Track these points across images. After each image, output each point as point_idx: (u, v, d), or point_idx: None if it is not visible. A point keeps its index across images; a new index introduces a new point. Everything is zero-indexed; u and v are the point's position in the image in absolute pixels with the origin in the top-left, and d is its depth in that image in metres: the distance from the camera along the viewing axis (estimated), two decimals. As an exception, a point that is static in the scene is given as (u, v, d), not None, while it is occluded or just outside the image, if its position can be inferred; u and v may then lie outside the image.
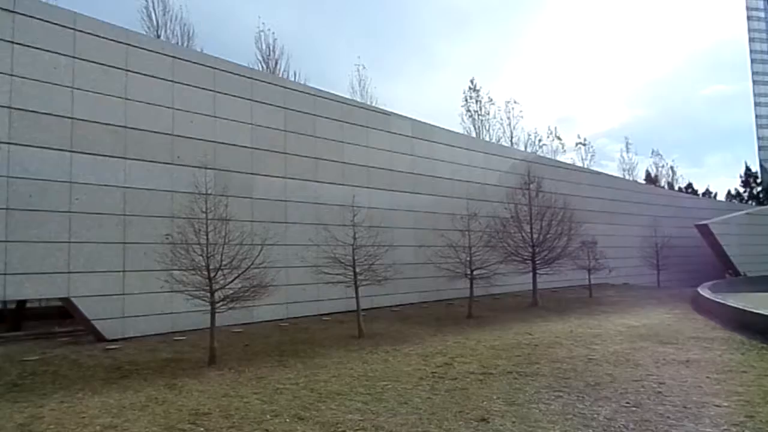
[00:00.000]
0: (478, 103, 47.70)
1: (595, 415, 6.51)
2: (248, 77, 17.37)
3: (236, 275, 10.70)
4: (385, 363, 10.27)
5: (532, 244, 21.42)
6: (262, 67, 31.66)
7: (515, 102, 54.48)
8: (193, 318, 12.85)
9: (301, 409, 7.12)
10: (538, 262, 21.47)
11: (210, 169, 14.62)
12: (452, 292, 21.35)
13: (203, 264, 10.43)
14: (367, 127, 20.99)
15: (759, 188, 78.69)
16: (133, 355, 11.40)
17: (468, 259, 17.64)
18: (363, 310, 15.81)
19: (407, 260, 21.18)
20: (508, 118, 48.99)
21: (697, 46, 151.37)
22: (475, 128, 46.77)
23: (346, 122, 20.13)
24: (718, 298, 17.57)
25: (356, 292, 14.03)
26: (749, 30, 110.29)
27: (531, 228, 21.63)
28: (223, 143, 16.16)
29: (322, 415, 6.82)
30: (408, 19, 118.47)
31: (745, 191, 77.99)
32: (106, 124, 13.70)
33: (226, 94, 16.42)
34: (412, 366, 9.88)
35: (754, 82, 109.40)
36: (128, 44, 14.29)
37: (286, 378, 9.08)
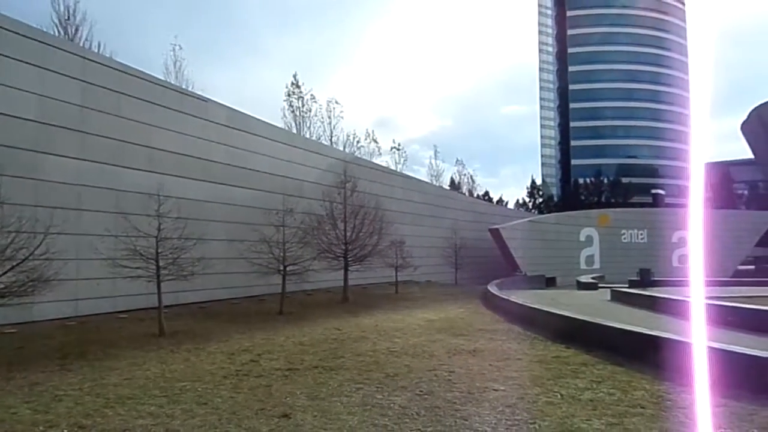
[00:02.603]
0: (301, 99, 47.74)
1: (392, 404, 6.86)
2: (39, 41, 15.21)
3: (9, 267, 9.27)
4: (185, 363, 9.71)
5: (345, 242, 22.00)
6: (59, 32, 28.03)
7: (336, 102, 55.52)
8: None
9: (83, 417, 6.39)
10: (350, 259, 22.12)
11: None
12: (264, 288, 20.99)
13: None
14: (181, 112, 19.71)
15: (541, 199, 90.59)
16: None
17: (281, 254, 17.50)
18: (167, 306, 14.80)
19: (218, 254, 20.34)
20: (329, 117, 49.72)
21: (498, 67, 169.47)
22: (296, 124, 46.72)
23: (157, 104, 18.68)
24: (503, 294, 19.79)
25: (158, 288, 13.05)
26: (540, 61, 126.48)
27: (345, 226, 22.21)
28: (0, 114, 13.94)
29: (108, 422, 6.21)
30: (233, 3, 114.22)
31: (530, 201, 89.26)
32: None
33: (9, 57, 14.18)
34: (215, 365, 9.48)
35: (541, 106, 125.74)
36: None
37: (68, 383, 8.10)
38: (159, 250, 12.82)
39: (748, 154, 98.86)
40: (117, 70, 17.49)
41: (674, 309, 17.29)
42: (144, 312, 15.90)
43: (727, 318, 14.25)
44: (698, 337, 9.61)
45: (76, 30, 29.22)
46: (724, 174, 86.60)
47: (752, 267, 58.95)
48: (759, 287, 27.89)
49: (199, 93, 23.51)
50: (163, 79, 24.53)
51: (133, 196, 16.33)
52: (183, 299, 18.00)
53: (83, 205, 15.90)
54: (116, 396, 7.37)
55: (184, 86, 29.84)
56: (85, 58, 16.80)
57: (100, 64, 17.23)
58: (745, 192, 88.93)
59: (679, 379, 7.97)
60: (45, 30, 21.63)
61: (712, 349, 8.19)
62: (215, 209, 20.84)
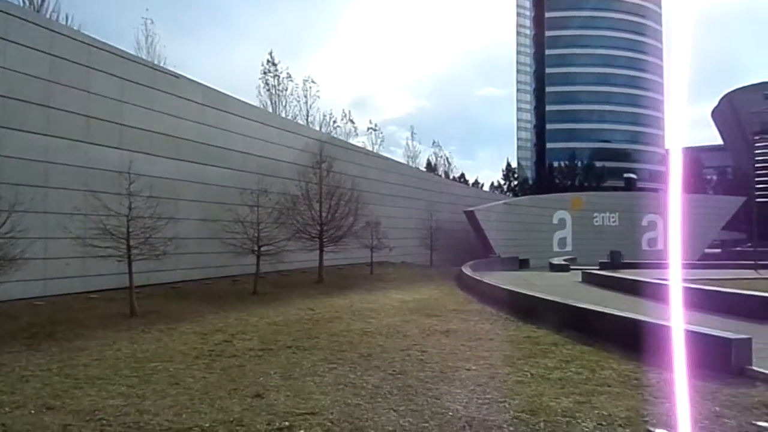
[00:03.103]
0: (277, 77, 46.97)
1: (365, 384, 6.91)
2: (2, 11, 14.63)
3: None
4: (157, 343, 9.62)
5: (321, 222, 21.92)
6: (23, 2, 26.99)
7: (313, 81, 54.92)
8: None
9: (51, 398, 6.30)
10: (325, 239, 22.07)
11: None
12: (238, 268, 20.83)
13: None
14: (153, 88, 19.24)
15: (516, 182, 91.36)
16: None
17: (256, 235, 17.36)
18: (139, 286, 14.63)
19: (191, 234, 20.11)
20: (306, 96, 49.06)
21: (476, 48, 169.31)
22: (272, 103, 46.02)
23: (128, 80, 18.19)
24: (476, 276, 20.01)
25: (129, 267, 12.84)
26: (517, 44, 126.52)
27: (320, 206, 22.10)
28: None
29: (77, 403, 6.13)
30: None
31: (505, 184, 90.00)
32: None
33: (-31, 28, 13.66)
34: (188, 345, 9.41)
35: (518, 89, 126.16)
36: None
37: (36, 364, 7.96)
38: (130, 230, 12.60)
39: (718, 141, 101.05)
40: (85, 43, 16.97)
41: (642, 290, 17.71)
42: (115, 292, 15.63)
43: (693, 299, 14.62)
44: (664, 318, 9.86)
45: (42, 1, 28.20)
46: (694, 159, 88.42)
47: (719, 250, 60.56)
48: (725, 270, 28.68)
49: (172, 69, 23.00)
50: (134, 54, 23.88)
51: (103, 174, 15.98)
52: (156, 279, 17.77)
53: (50, 182, 15.50)
54: (86, 376, 7.28)
55: (156, 62, 29.10)
56: (51, 30, 16.25)
57: (68, 37, 16.69)
58: (714, 177, 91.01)
59: (645, 358, 8.18)
60: (9, 0, 20.84)
61: (677, 330, 8.41)
62: (188, 188, 20.52)
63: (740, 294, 14.07)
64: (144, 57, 29.40)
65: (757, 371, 7.26)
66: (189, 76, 21.59)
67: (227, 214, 18.48)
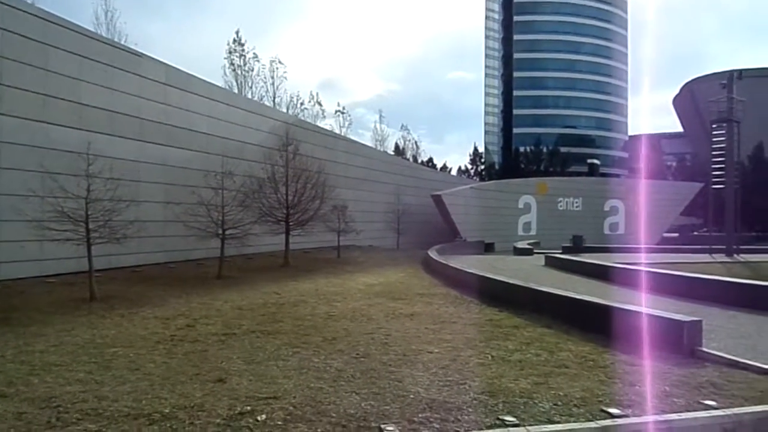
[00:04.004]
0: (243, 57, 46.25)
1: (328, 368, 6.95)
2: (-51, -17, 13.95)
3: None
4: (118, 328, 9.46)
5: (287, 206, 21.75)
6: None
7: (280, 62, 54.04)
8: None
9: (5, 386, 6.14)
10: (291, 223, 21.94)
11: None
12: (203, 251, 20.57)
13: None
14: (113, 66, 18.64)
15: (483, 167, 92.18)
16: None
17: (220, 218, 17.13)
18: (100, 270, 14.36)
19: (154, 217, 19.73)
20: (272, 77, 48.46)
21: (445, 31, 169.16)
22: (237, 84, 45.34)
23: (87, 58, 17.59)
24: (442, 260, 20.22)
25: (88, 251, 12.54)
26: (486, 28, 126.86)
27: (287, 190, 21.92)
28: None
29: (33, 390, 5.99)
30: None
31: (472, 168, 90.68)
32: None
33: None
34: (149, 330, 9.28)
35: (486, 74, 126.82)
36: None
37: (-11, 350, 7.75)
38: (89, 212, 12.27)
39: (679, 128, 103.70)
40: (41, 18, 16.31)
41: (602, 274, 18.21)
42: (75, 276, 15.26)
43: (650, 283, 15.10)
44: (621, 301, 10.18)
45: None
46: (655, 146, 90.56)
47: (677, 234, 62.46)
48: (682, 254, 29.64)
49: (133, 47, 22.35)
50: (93, 30, 23.10)
51: (60, 155, 15.45)
52: (117, 263, 17.43)
53: (3, 163, 14.96)
54: (42, 363, 7.12)
55: (116, 39, 28.23)
56: (3, 3, 15.54)
57: (22, 11, 16.00)
58: (674, 164, 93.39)
59: (602, 340, 8.45)
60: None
61: (633, 312, 8.71)
62: (151, 170, 20.08)
63: (694, 278, 14.58)
64: (103, 34, 28.50)
65: (707, 352, 7.57)
66: (151, 55, 21.04)
67: (191, 196, 18.15)
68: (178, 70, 22.11)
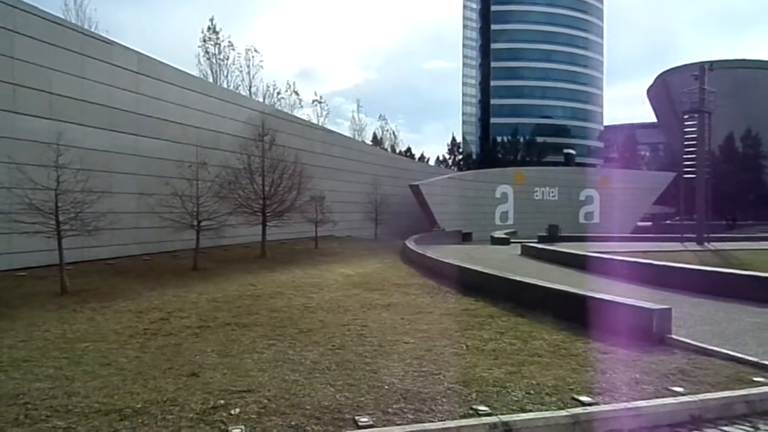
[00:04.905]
0: (218, 46, 45.61)
1: (303, 360, 6.94)
2: None
3: None
4: (89, 322, 9.30)
5: (264, 196, 21.57)
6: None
7: (256, 51, 53.47)
8: None
9: (-29, 382, 6.01)
10: (268, 214, 21.77)
11: None
12: (178, 243, 20.32)
13: None
14: (83, 54, 18.19)
15: (461, 156, 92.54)
16: None
17: (195, 209, 16.91)
18: (73, 263, 14.11)
19: (128, 209, 19.41)
20: (248, 66, 47.91)
21: (424, 20, 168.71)
22: (212, 73, 44.73)
23: (56, 46, 17.12)
24: (419, 250, 20.29)
25: (59, 244, 12.27)
26: (464, 18, 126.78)
27: (263, 180, 21.72)
28: None
29: (0, 387, 5.87)
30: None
31: (450, 158, 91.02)
32: None
33: None
34: (122, 324, 9.15)
35: (464, 64, 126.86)
36: None
37: (-45, 346, 7.57)
38: (59, 204, 12.01)
39: (653, 118, 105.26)
40: (9, 5, 15.79)
41: (576, 263, 18.47)
42: (46, 269, 14.92)
43: (623, 271, 15.38)
44: (594, 290, 10.33)
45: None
46: (629, 136, 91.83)
47: (650, 223, 63.61)
48: (655, 243, 30.20)
49: (104, 35, 21.83)
50: (62, 17, 22.50)
51: (28, 146, 15.07)
52: (90, 255, 17.13)
53: (-30, 154, 14.54)
54: (11, 359, 6.97)
55: (86, 26, 27.55)
56: (-34, -11, 15.05)
57: (-14, -3, 15.50)
58: (648, 154, 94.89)
59: (574, 328, 8.59)
60: None
61: (604, 301, 8.85)
62: (124, 161, 19.70)
63: (665, 266, 14.87)
64: (73, 21, 27.81)
65: (676, 339, 7.74)
66: (123, 43, 20.58)
67: (165, 187, 17.87)
68: (151, 58, 21.67)
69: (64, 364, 6.75)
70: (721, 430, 5.16)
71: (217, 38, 45.43)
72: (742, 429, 5.17)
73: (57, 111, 16.88)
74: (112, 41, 20.21)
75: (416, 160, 76.70)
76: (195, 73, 37.46)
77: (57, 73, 17.08)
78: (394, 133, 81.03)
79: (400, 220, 41.01)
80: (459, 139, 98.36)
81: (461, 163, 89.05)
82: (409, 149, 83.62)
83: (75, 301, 11.16)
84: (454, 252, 24.07)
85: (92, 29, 29.84)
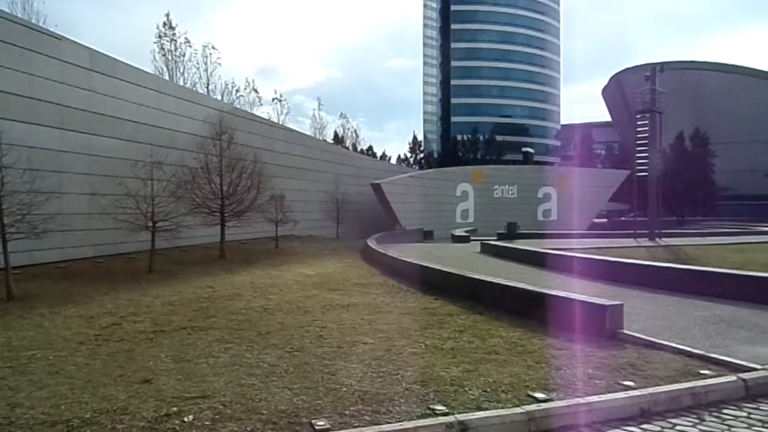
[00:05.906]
0: (174, 42, 44.60)
1: (261, 363, 6.84)
2: None
3: None
4: (37, 329, 8.95)
5: (222, 196, 21.19)
6: None
7: (213, 47, 52.52)
8: None
9: None
10: (227, 214, 21.40)
11: None
12: (133, 245, 19.78)
13: None
14: (31, 50, 17.50)
15: (422, 155, 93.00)
16: None
17: (150, 210, 16.48)
18: (19, 267, 13.58)
19: (79, 210, 18.78)
20: (206, 63, 47.03)
21: (385, 18, 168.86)
22: (168, 70, 43.72)
23: (2, 41, 16.45)
24: (380, 249, 20.30)
25: (4, 247, 11.77)
26: (424, 17, 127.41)
27: (221, 180, 21.34)
28: None
29: (-63, 400, 5.58)
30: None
31: (411, 156, 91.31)
32: None
33: None
34: (71, 330, 8.83)
35: (425, 63, 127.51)
36: None
37: None
38: (4, 206, 11.53)
39: (608, 117, 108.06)
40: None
41: (534, 260, 18.81)
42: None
43: (579, 267, 15.74)
44: (550, 286, 10.53)
45: None
46: (585, 135, 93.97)
47: (605, 220, 65.33)
48: (609, 239, 31.02)
49: (52, 29, 21.05)
50: (6, 11, 21.59)
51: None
52: (39, 258, 16.53)
53: None
54: (-50, 369, 6.65)
55: (33, 20, 26.53)
56: None
57: None
58: (603, 152, 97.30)
59: (531, 325, 8.74)
60: None
61: (559, 298, 9.03)
62: (74, 160, 19.06)
63: (619, 262, 15.28)
64: (18, 14, 26.73)
65: (627, 334, 7.96)
66: (73, 38, 19.87)
67: (118, 188, 17.36)
68: (104, 54, 21.02)
69: (8, 374, 6.47)
70: (669, 422, 5.32)
71: (174, 34, 44.45)
72: (689, 421, 5.35)
73: (1, 108, 16.18)
74: (62, 36, 19.51)
75: (378, 158, 76.72)
76: (150, 69, 36.54)
77: (2, 69, 16.39)
78: (355, 131, 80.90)
79: (362, 219, 40.97)
80: (420, 137, 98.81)
81: (422, 161, 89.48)
82: (370, 147, 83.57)
83: (21, 307, 10.72)
84: (415, 250, 24.18)
85: (40, 23, 28.80)
